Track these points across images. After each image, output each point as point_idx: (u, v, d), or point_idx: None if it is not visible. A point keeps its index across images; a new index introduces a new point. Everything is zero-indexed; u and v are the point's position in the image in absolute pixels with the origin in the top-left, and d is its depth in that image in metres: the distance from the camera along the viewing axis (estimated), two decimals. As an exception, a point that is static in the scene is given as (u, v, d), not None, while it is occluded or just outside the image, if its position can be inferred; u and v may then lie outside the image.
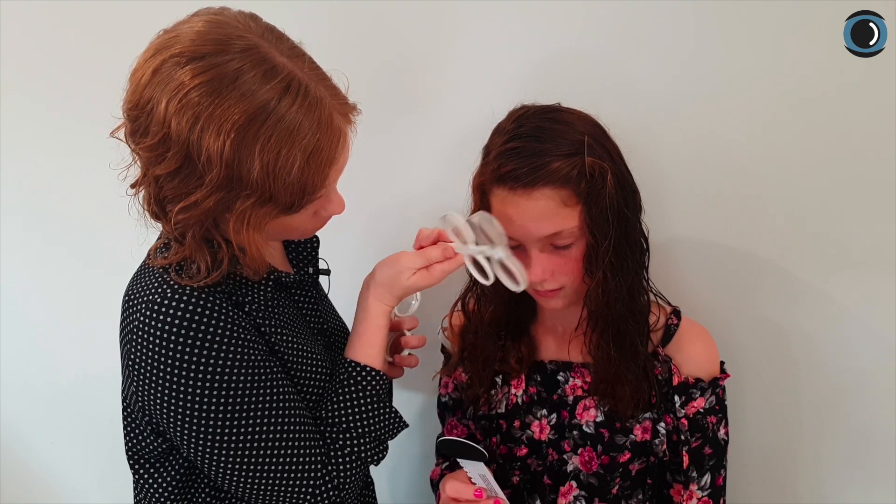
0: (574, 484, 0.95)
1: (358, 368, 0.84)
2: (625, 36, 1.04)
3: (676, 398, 0.92)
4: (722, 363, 0.96)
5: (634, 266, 0.89)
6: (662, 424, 0.93)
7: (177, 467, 0.83)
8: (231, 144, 0.67)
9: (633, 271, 0.89)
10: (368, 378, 0.84)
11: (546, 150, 0.82)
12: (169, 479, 0.83)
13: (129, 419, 0.83)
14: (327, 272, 0.98)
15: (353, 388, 0.83)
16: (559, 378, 0.98)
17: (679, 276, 1.08)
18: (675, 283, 1.03)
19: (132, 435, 0.83)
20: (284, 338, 0.82)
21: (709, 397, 0.93)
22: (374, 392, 0.84)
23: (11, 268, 1.44)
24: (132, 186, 0.75)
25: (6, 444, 1.56)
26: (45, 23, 1.26)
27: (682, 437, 0.92)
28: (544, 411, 0.97)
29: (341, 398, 0.83)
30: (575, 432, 0.95)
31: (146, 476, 0.84)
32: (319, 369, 0.85)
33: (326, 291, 1.01)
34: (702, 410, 0.92)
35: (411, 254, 0.86)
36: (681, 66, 1.03)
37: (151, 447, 0.82)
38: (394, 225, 1.21)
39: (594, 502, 0.95)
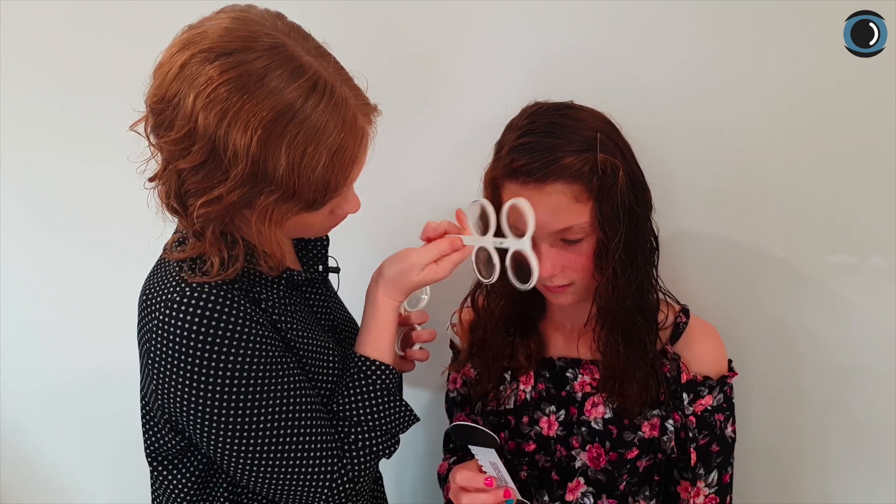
0: (582, 480, 0.96)
1: (367, 363, 0.85)
2: (632, 36, 1.05)
3: (685, 396, 0.92)
4: (730, 361, 0.97)
5: (644, 264, 0.89)
6: (671, 421, 0.93)
7: (196, 463, 0.83)
8: (258, 140, 0.67)
9: (643, 269, 0.89)
10: (378, 373, 0.84)
11: (558, 146, 0.82)
12: (188, 475, 0.83)
13: (147, 417, 0.83)
14: (337, 270, 0.98)
15: (362, 383, 0.84)
16: (568, 375, 0.98)
17: (685, 274, 1.09)
18: (682, 281, 1.04)
19: (151, 433, 0.83)
20: (299, 334, 0.82)
21: (716, 395, 0.93)
22: (383, 386, 0.84)
23: (18, 263, 1.43)
24: (151, 180, 0.76)
25: (11, 439, 1.55)
26: (56, 19, 1.26)
27: (690, 435, 0.92)
28: (553, 407, 0.98)
29: (352, 393, 0.83)
30: (583, 429, 0.95)
31: (165, 473, 0.84)
32: (332, 364, 0.85)
33: (336, 289, 1.01)
34: (709, 408, 0.93)
35: (420, 249, 0.85)
36: (684, 66, 1.03)
37: (170, 444, 0.82)
38: (402, 222, 1.21)
39: (602, 498, 0.96)
